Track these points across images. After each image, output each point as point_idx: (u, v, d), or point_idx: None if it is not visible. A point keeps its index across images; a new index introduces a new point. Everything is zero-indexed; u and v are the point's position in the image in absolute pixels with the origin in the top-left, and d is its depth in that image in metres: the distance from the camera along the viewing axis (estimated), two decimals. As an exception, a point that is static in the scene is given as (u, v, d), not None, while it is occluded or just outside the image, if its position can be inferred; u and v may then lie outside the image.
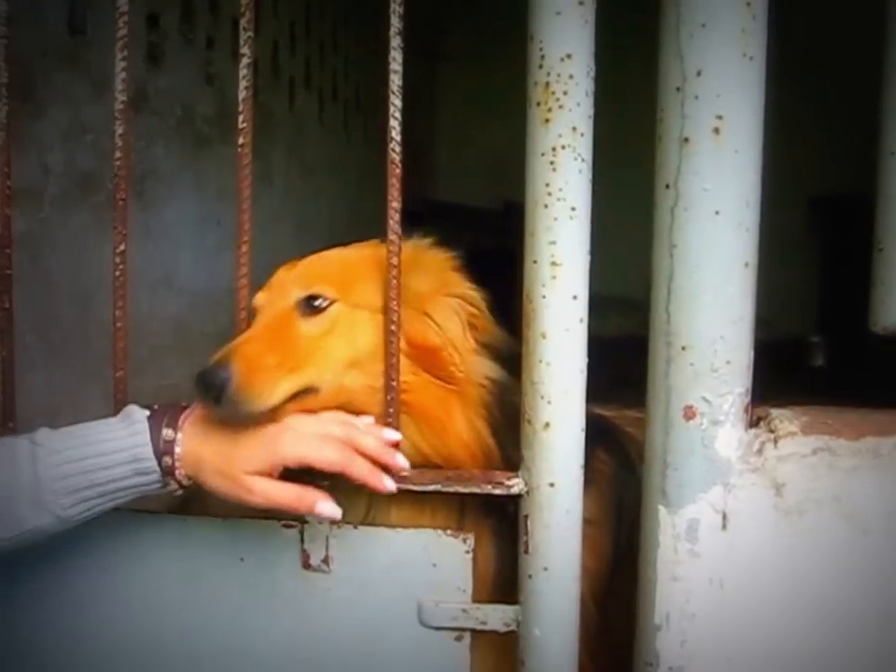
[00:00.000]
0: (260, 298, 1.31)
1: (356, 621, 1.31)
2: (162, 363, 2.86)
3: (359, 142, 5.14)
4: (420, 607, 1.29)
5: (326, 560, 1.30)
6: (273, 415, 1.18)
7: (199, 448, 1.18)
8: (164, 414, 1.20)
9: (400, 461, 1.21)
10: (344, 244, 1.39)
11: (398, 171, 1.19)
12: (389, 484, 1.20)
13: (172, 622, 1.36)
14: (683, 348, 1.13)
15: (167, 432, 1.18)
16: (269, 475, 1.17)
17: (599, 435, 1.26)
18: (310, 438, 1.17)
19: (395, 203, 1.20)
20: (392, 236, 1.21)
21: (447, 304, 1.31)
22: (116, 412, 1.27)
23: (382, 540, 1.29)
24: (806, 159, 5.63)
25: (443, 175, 7.02)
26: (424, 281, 1.29)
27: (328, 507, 1.17)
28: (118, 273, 1.24)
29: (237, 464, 1.16)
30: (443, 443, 1.27)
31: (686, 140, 1.10)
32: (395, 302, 1.22)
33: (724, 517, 1.16)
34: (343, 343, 1.25)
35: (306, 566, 1.29)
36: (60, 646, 1.36)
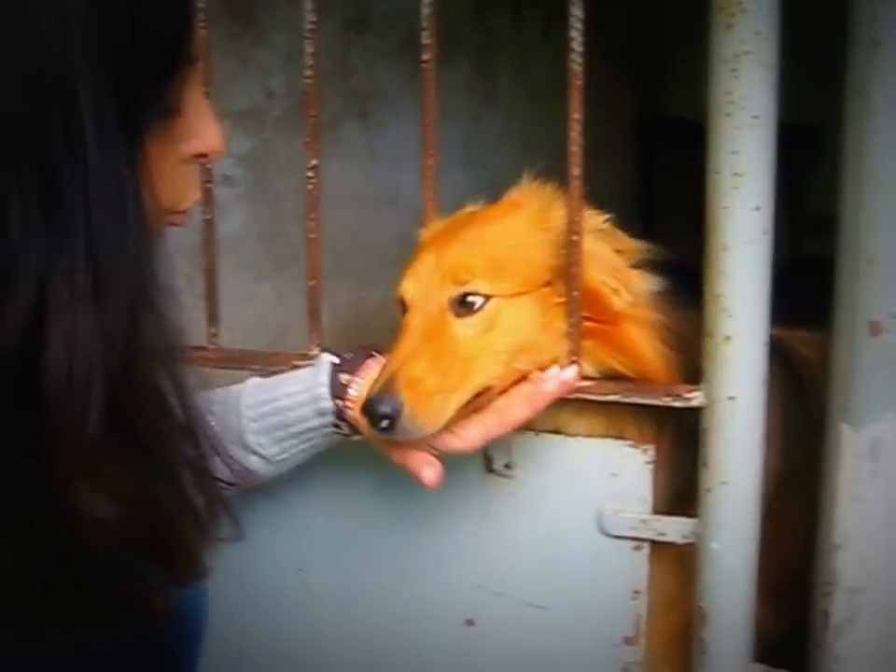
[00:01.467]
0: (410, 290, 1.27)
1: (538, 525, 1.36)
2: (387, 275, 2.95)
3: (585, 63, 5.05)
4: (600, 515, 1.31)
5: (509, 465, 1.34)
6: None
7: None
8: (350, 361, 1.25)
9: (566, 374, 1.22)
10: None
11: (579, 82, 1.20)
12: (551, 385, 1.21)
13: (365, 527, 1.44)
14: (870, 261, 1.09)
15: (344, 376, 1.23)
16: None
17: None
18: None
19: (576, 115, 1.20)
20: (574, 147, 1.21)
21: (591, 243, 1.26)
22: (310, 318, 1.34)
23: (563, 448, 1.32)
24: None
25: (679, 89, 6.80)
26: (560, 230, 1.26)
27: (430, 474, 1.19)
28: (310, 187, 1.31)
29: None
30: (637, 369, 1.27)
31: (876, 43, 1.04)
32: (577, 216, 1.22)
33: (909, 437, 1.12)
34: (508, 334, 1.22)
35: (489, 469, 1.34)
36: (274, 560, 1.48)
